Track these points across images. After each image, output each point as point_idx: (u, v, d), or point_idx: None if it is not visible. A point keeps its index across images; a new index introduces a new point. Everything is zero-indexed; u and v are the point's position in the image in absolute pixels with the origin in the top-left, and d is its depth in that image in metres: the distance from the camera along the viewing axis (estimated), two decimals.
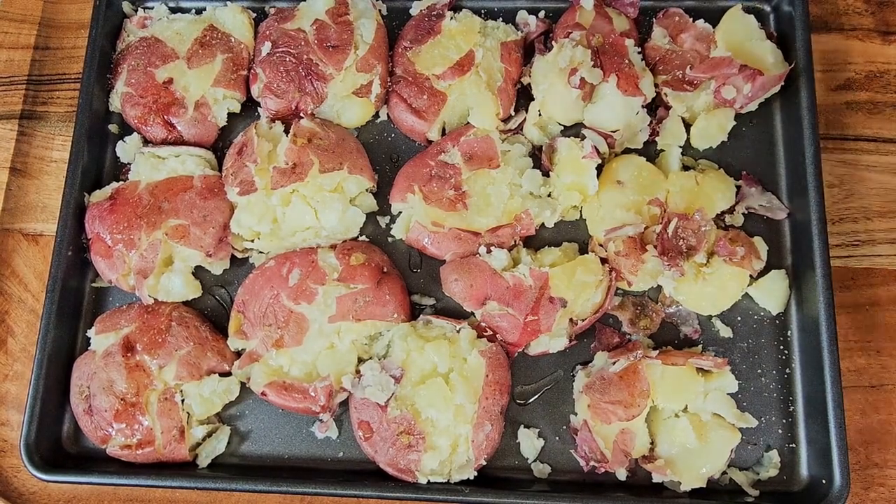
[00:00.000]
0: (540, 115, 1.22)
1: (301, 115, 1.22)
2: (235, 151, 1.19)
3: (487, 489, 1.05)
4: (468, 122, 1.22)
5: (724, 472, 1.07)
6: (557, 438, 1.11)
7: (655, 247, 1.11)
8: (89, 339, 1.16)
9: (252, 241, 1.18)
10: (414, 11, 1.30)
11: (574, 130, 1.22)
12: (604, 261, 1.15)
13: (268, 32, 1.26)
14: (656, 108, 1.22)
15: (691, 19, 1.25)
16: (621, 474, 1.06)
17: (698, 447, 1.05)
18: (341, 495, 1.06)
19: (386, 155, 1.26)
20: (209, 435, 1.13)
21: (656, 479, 1.06)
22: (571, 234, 1.20)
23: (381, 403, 1.06)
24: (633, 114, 1.18)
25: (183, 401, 1.10)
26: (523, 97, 1.25)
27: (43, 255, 1.24)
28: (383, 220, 1.22)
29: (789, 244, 1.18)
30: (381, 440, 1.06)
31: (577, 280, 1.10)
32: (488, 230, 1.15)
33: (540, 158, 1.20)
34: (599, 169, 1.15)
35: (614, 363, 1.09)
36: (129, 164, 1.24)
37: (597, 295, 1.12)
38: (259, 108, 1.25)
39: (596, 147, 1.15)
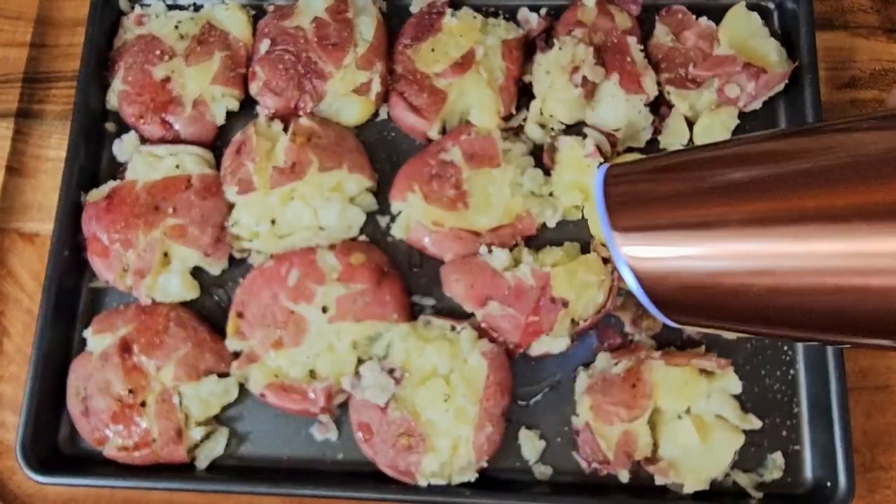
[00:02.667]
0: (541, 113, 1.21)
1: (300, 113, 1.21)
2: (234, 150, 1.18)
3: (488, 491, 1.04)
4: (469, 121, 1.21)
5: (728, 474, 1.07)
6: (559, 440, 1.10)
7: None
8: (86, 339, 1.15)
9: (251, 240, 1.17)
10: (414, 9, 1.29)
11: (576, 129, 1.21)
12: (606, 261, 1.14)
13: (266, 30, 1.25)
14: (659, 106, 1.21)
15: (694, 17, 1.24)
16: (623, 476, 1.05)
17: (701, 449, 1.04)
18: (341, 497, 1.05)
19: (386, 154, 1.25)
20: (207, 436, 1.12)
21: (659, 481, 1.05)
22: (573, 234, 1.19)
23: (380, 405, 1.05)
24: (635, 112, 1.17)
25: (181, 402, 1.09)
26: (524, 95, 1.24)
27: (39, 255, 1.23)
28: (383, 220, 1.21)
29: None
30: (381, 442, 1.05)
31: (578, 280, 1.09)
32: (489, 230, 1.14)
33: (541, 157, 1.20)
34: None
35: (616, 364, 1.08)
36: (126, 162, 1.23)
37: (599, 295, 1.11)
38: (258, 107, 1.24)
39: (598, 146, 1.14)
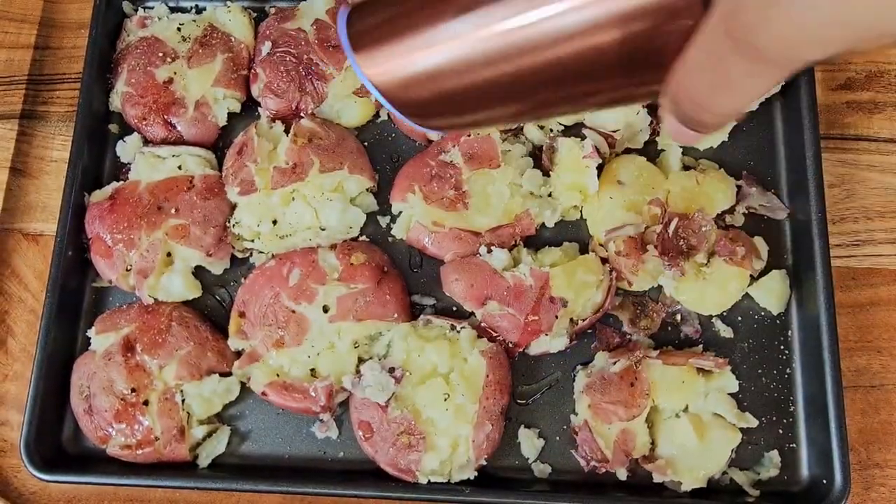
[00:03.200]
0: None
1: (301, 114, 1.22)
2: (236, 151, 1.19)
3: (488, 489, 1.05)
4: None
5: (725, 472, 1.07)
6: (558, 438, 1.11)
7: (656, 247, 1.11)
8: (89, 339, 1.16)
9: (252, 240, 1.18)
10: None
11: (574, 130, 1.22)
12: (604, 261, 1.15)
13: (268, 32, 1.26)
14: (657, 108, 1.22)
15: None
16: (622, 474, 1.06)
17: (699, 447, 1.05)
18: (341, 495, 1.06)
19: (386, 155, 1.26)
20: (209, 435, 1.13)
21: (657, 479, 1.06)
22: (572, 234, 1.20)
23: (381, 403, 1.06)
24: (633, 114, 1.18)
25: (183, 401, 1.10)
26: None
27: (43, 255, 1.24)
28: (383, 220, 1.22)
29: (789, 244, 1.18)
30: (381, 440, 1.06)
31: (577, 280, 1.10)
32: (488, 230, 1.15)
33: (540, 158, 1.20)
34: (600, 169, 1.16)
35: (615, 363, 1.09)
36: (129, 163, 1.24)
37: (597, 295, 1.12)
38: (259, 108, 1.25)
39: (596, 147, 1.15)
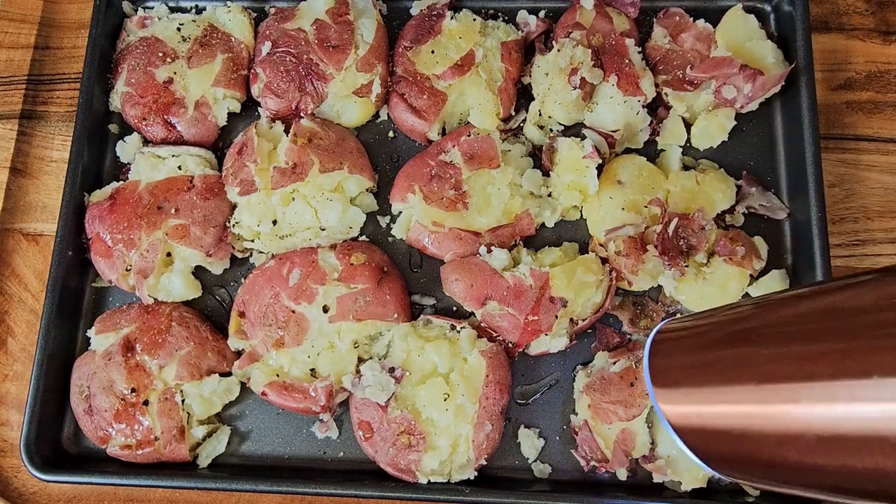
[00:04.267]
0: (540, 114, 1.22)
1: (301, 114, 1.22)
2: (235, 151, 1.19)
3: (488, 489, 1.05)
4: (468, 122, 1.22)
5: None
6: (558, 438, 1.11)
7: (656, 247, 1.11)
8: (89, 339, 1.16)
9: (252, 240, 1.18)
10: (414, 11, 1.30)
11: (574, 130, 1.22)
12: (604, 261, 1.15)
13: (268, 32, 1.26)
14: (657, 107, 1.23)
15: (692, 19, 1.25)
16: (622, 474, 1.06)
17: None
18: (341, 495, 1.06)
19: (386, 155, 1.26)
20: (209, 435, 1.13)
21: (657, 479, 1.06)
22: (572, 234, 1.20)
23: (381, 403, 1.06)
24: (633, 114, 1.18)
25: (183, 401, 1.10)
26: (523, 97, 1.25)
27: (43, 255, 1.24)
28: (383, 220, 1.22)
29: (789, 244, 1.18)
30: (381, 440, 1.06)
31: (577, 280, 1.10)
32: (488, 230, 1.15)
33: (540, 158, 1.20)
34: (600, 169, 1.16)
35: (615, 363, 1.09)
36: (129, 163, 1.24)
37: (597, 295, 1.12)
38: (259, 108, 1.25)
39: (596, 147, 1.15)
